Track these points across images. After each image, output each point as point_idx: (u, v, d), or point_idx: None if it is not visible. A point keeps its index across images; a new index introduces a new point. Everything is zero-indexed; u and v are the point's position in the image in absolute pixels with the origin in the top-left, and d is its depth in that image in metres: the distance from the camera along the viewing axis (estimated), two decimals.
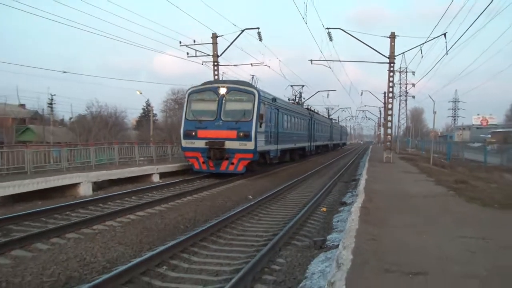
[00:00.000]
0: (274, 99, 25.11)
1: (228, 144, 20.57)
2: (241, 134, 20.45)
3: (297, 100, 44.00)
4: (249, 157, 20.82)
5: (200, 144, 20.89)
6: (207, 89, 21.99)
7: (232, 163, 20.80)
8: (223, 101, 21.23)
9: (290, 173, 26.05)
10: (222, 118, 20.97)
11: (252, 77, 32.72)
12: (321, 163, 35.12)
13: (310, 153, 42.07)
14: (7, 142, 38.80)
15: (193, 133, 21.12)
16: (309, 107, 47.41)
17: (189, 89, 22.82)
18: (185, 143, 21.59)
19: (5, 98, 57.75)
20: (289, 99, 40.25)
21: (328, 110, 73.32)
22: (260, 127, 21.22)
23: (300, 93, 46.18)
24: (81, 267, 7.62)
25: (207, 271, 7.72)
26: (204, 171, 21.80)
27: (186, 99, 22.70)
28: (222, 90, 21.30)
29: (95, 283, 6.33)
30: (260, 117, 21.02)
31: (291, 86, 45.98)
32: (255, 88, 22.19)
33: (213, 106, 21.29)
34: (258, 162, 22.70)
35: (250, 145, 20.51)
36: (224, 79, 28.85)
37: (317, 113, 51.25)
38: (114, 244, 9.10)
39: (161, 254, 8.05)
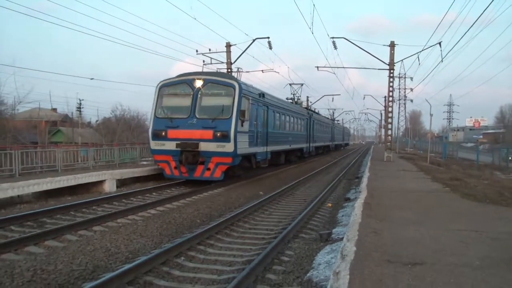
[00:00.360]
0: (262, 95, 20.80)
1: (203, 146, 16.53)
2: (218, 134, 16.38)
3: (295, 100, 38.81)
4: (227, 161, 16.75)
5: (171, 146, 16.87)
6: (181, 82, 17.83)
7: (208, 169, 16.77)
8: (199, 96, 17.21)
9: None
10: (196, 115, 16.94)
11: (237, 70, 29.73)
12: (318, 165, 30.92)
13: (309, 155, 37.27)
14: (40, 142, 39.14)
15: (163, 133, 17.09)
16: (309, 107, 43.70)
17: (160, 81, 18.36)
18: (154, 144, 17.44)
19: (39, 103, 58.16)
20: (286, 98, 35.95)
21: (332, 112, 70.92)
22: (242, 126, 17.18)
23: (309, 99, 44.96)
24: (106, 257, 7.66)
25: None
26: (176, 178, 17.84)
27: (156, 94, 18.06)
28: (198, 83, 17.22)
29: (120, 271, 6.36)
30: (241, 114, 16.91)
31: (290, 84, 40.91)
32: (236, 81, 18.00)
33: (186, 102, 17.29)
34: (242, 166, 18.96)
35: (228, 147, 16.40)
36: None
37: (317, 113, 47.32)
38: (136, 237, 9.13)
39: (179, 246, 8.08)
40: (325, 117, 54.89)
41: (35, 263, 7.08)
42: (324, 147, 48.39)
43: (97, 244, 8.41)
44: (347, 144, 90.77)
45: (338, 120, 76.06)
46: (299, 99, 40.15)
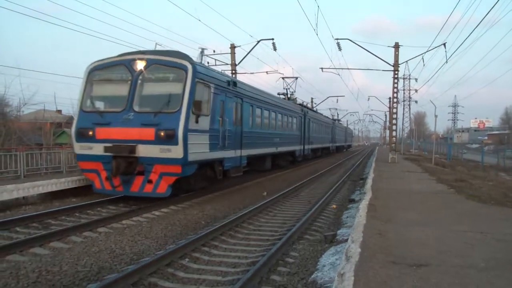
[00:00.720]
0: (233, 83, 16.33)
1: (143, 150, 12.13)
2: (161, 134, 11.97)
3: (288, 95, 33.44)
4: (175, 171, 12.32)
5: (100, 149, 12.54)
6: (117, 63, 13.42)
7: (150, 181, 12.37)
8: (139, 82, 12.85)
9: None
10: (134, 108, 12.63)
11: (201, 52, 25.98)
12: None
13: (304, 158, 32.28)
14: (45, 144, 39.28)
15: (90, 133, 12.76)
16: (305, 104, 38.34)
17: (91, 63, 13.81)
18: (78, 148, 13.09)
19: (44, 104, 58.30)
20: (278, 94, 31.31)
21: (336, 112, 68.26)
22: (197, 122, 12.72)
23: (313, 100, 43.03)
24: (111, 259, 7.67)
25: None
26: (108, 193, 13.28)
27: (84, 79, 13.68)
28: (139, 65, 12.89)
29: (125, 273, 6.37)
30: (196, 106, 12.52)
31: (283, 78, 35.53)
32: (189, 61, 13.16)
33: (123, 90, 12.95)
34: (203, 176, 14.61)
35: (176, 151, 12.01)
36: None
37: (314, 111, 43.62)
38: (141, 238, 9.15)
39: (183, 248, 8.08)
40: (325, 116, 50.92)
41: (40, 264, 7.11)
42: (323, 149, 44.64)
43: (102, 245, 8.43)
44: (349, 146, 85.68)
45: (340, 120, 71.04)
46: (293, 94, 34.85)
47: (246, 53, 29.91)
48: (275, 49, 28.88)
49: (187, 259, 7.74)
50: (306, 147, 32.32)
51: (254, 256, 7.99)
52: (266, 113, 21.47)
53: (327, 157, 46.54)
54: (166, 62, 13.04)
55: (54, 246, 8.33)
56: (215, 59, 29.15)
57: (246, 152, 17.76)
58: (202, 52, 19.81)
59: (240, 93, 17.17)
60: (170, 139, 12.05)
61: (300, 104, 33.50)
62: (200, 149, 13.24)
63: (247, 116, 18.13)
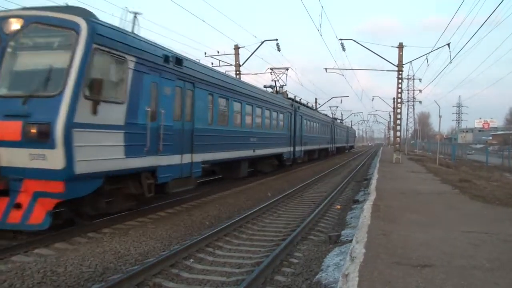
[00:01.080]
0: (177, 60, 11.53)
1: (5, 156, 7.87)
2: (31, 131, 7.70)
3: (277, 88, 28.42)
4: (55, 189, 7.94)
5: None
6: None
7: (18, 205, 7.95)
8: (9, 50, 8.55)
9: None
10: None
11: (134, 16, 19.60)
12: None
13: (294, 162, 27.99)
14: None
15: None
16: (298, 99, 32.84)
17: None
18: None
19: None
20: (264, 86, 26.35)
21: (335, 110, 64.38)
22: (95, 113, 8.38)
23: (317, 101, 41.99)
24: (116, 259, 7.69)
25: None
26: None
27: None
28: (12, 25, 8.55)
29: (130, 274, 6.39)
30: (94, 87, 8.27)
31: (271, 69, 30.34)
32: (86, 18, 8.45)
33: None
34: (123, 194, 10.34)
35: (53, 157, 7.71)
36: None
37: (310, 107, 38.65)
38: (146, 239, 9.16)
39: (188, 248, 8.09)
40: (323, 114, 46.59)
41: (45, 264, 7.13)
42: (321, 151, 40.15)
43: (107, 246, 8.45)
44: (351, 147, 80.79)
45: (341, 119, 67.19)
46: (282, 87, 29.46)
47: (250, 53, 29.72)
48: (279, 49, 28.94)
49: (191, 260, 7.75)
50: (298, 148, 27.64)
51: (259, 257, 8.00)
52: (235, 105, 16.71)
53: (325, 160, 42.07)
54: (51, 20, 8.55)
55: (59, 247, 8.35)
56: (219, 60, 29.20)
57: (201, 156, 13.28)
58: (135, 17, 14.10)
59: (190, 76, 12.51)
60: (43, 138, 7.72)
61: (290, 99, 28.59)
62: (104, 154, 8.79)
63: (202, 108, 13.47)
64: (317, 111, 44.73)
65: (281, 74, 29.89)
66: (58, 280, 6.53)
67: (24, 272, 6.74)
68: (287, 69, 30.61)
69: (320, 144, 38.01)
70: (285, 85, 30.05)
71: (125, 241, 8.85)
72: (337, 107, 66.36)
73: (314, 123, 34.74)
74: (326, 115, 49.65)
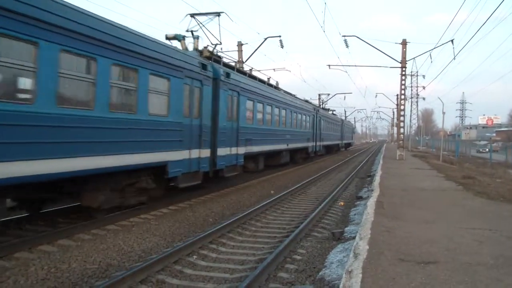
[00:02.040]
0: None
1: None
2: None
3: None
4: None
5: None
6: None
7: None
8: None
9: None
10: None
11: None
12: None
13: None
14: None
15: None
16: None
17: None
18: None
19: None
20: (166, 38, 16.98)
21: (341, 109, 62.75)
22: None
23: (321, 96, 42.11)
24: (119, 256, 7.70)
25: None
26: None
27: None
28: None
29: (133, 270, 6.39)
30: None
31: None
32: None
33: None
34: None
35: None
36: None
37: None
38: (149, 235, 9.17)
39: (191, 245, 8.10)
40: (334, 114, 45.98)
41: (49, 261, 7.14)
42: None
43: (110, 242, 8.45)
44: (349, 145, 67.14)
45: (334, 110, 52.26)
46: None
47: (253, 50, 29.74)
48: (282, 46, 28.85)
49: (195, 257, 7.75)
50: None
51: (262, 253, 7.99)
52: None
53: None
54: None
55: (63, 244, 8.36)
56: (222, 56, 29.13)
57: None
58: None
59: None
60: None
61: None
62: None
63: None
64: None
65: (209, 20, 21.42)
66: (62, 276, 6.54)
67: (28, 268, 6.76)
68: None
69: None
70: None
71: (129, 238, 8.85)
72: (328, 93, 64.85)
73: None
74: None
